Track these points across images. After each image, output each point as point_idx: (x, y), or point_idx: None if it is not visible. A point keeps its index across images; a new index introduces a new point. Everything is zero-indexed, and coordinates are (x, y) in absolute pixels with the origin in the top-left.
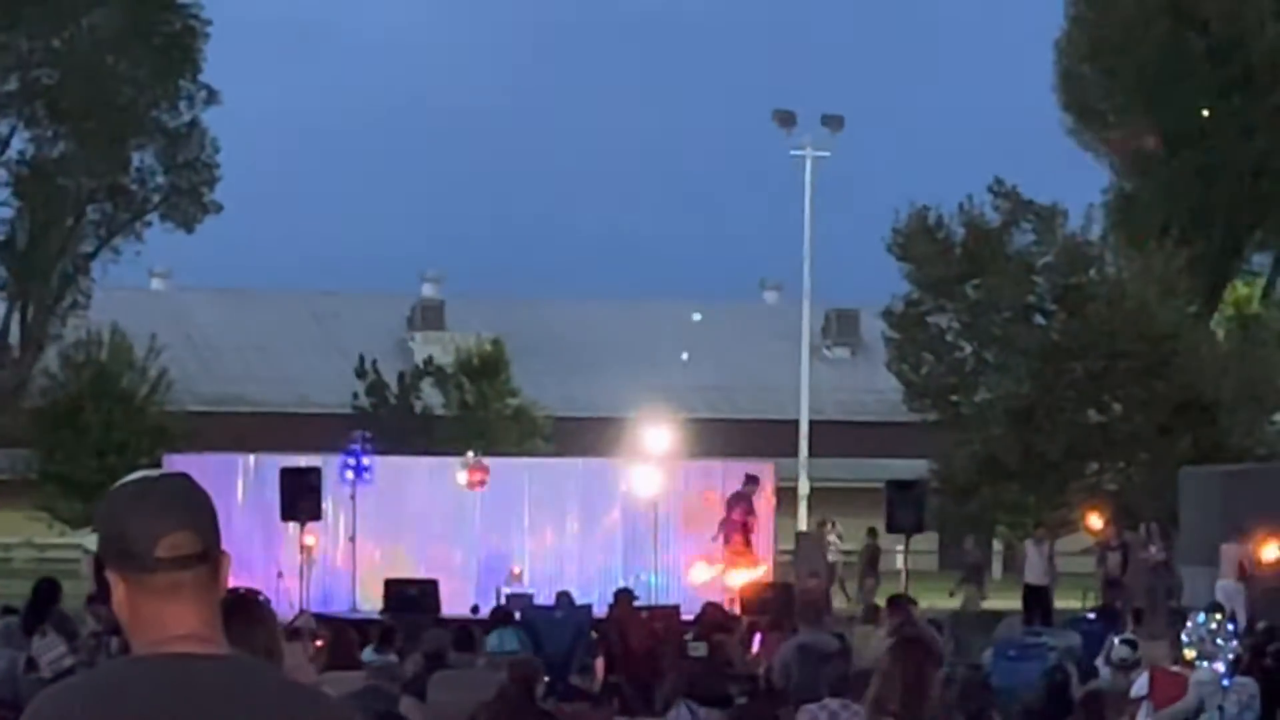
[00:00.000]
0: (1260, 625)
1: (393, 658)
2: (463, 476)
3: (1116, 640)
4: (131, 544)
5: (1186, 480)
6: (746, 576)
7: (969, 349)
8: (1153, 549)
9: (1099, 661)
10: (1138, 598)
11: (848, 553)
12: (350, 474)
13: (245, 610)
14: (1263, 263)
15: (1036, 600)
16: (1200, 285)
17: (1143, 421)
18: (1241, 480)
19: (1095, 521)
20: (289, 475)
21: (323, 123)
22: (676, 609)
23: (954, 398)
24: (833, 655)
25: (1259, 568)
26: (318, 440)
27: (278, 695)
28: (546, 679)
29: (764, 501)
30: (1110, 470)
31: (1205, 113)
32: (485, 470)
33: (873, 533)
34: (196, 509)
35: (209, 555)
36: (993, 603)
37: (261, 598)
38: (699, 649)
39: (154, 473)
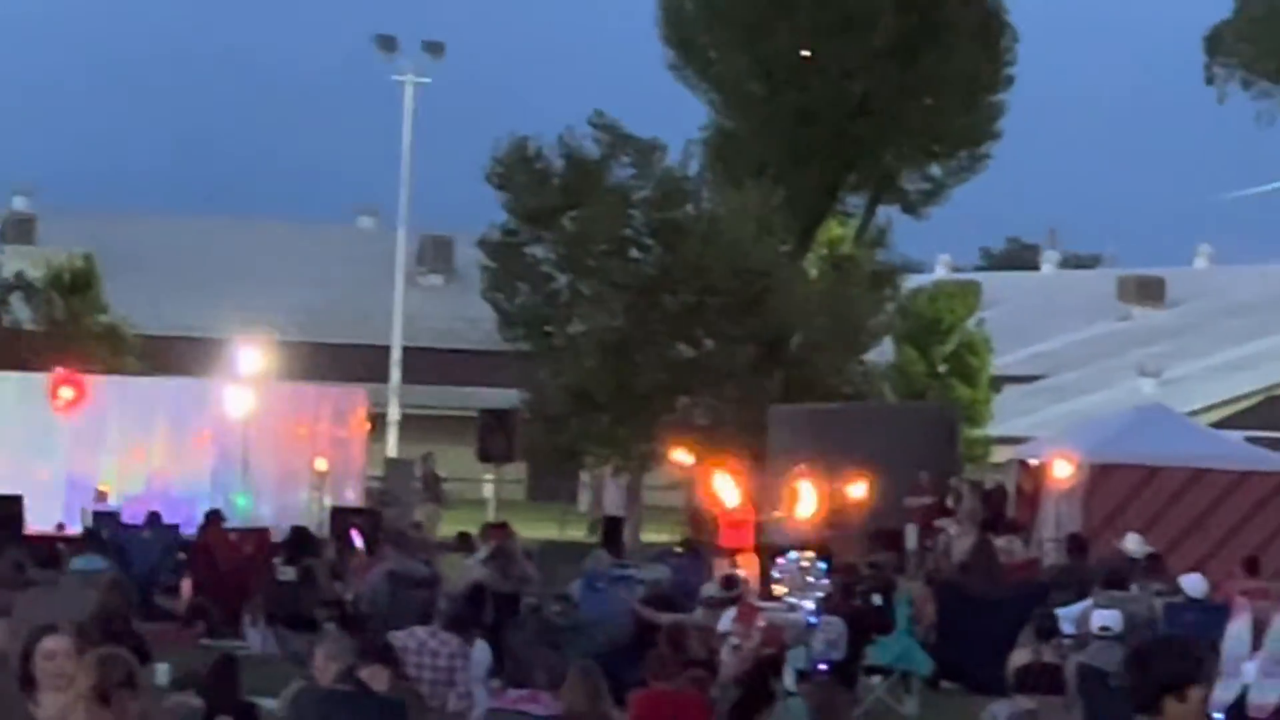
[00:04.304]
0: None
1: None
2: (66, 393)
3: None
4: None
5: (776, 417)
6: None
7: (564, 280)
8: None
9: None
10: None
11: (443, 479)
12: None
13: None
14: (857, 204)
15: (613, 531)
16: (795, 225)
17: (735, 357)
18: (829, 419)
19: (681, 456)
20: None
21: None
22: (267, 531)
23: (548, 328)
24: (422, 583)
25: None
26: None
27: None
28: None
29: (355, 426)
30: (701, 405)
31: (806, 53)
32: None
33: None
34: None
35: None
36: (582, 534)
37: None
38: (288, 573)
39: None
